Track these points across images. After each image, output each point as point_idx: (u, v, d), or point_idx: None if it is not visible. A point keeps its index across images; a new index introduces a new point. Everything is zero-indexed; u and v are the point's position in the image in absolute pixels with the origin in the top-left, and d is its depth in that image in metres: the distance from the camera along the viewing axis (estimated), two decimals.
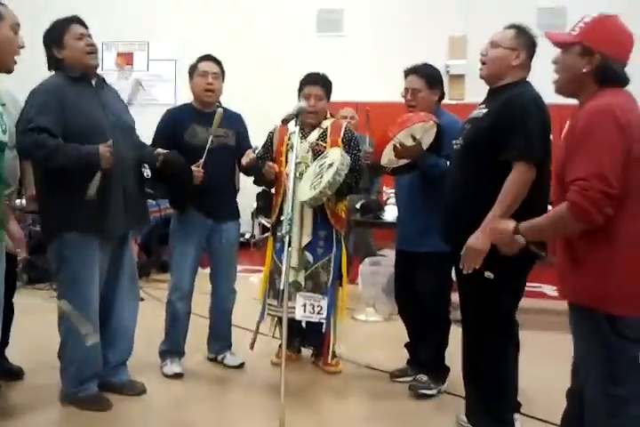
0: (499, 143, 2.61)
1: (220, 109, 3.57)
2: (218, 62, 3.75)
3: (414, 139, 3.27)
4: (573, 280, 2.10)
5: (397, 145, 3.28)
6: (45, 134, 2.91)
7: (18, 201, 3.38)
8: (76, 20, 3.17)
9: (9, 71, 2.49)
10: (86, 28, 3.19)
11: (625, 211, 1.97)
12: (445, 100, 3.65)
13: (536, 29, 2.85)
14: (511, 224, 2.20)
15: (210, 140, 3.53)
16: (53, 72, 3.17)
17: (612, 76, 2.08)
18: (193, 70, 3.74)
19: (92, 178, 2.95)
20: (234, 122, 3.79)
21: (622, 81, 2.11)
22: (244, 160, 3.57)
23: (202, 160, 3.50)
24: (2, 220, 2.47)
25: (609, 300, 1.99)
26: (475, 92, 5.44)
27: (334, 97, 3.75)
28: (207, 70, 3.69)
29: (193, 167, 3.49)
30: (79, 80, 3.12)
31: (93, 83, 3.20)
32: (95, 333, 3.16)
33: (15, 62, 2.50)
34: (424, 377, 3.48)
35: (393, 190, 5.18)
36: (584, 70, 2.08)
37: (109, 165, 2.98)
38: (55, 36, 3.12)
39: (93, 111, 3.11)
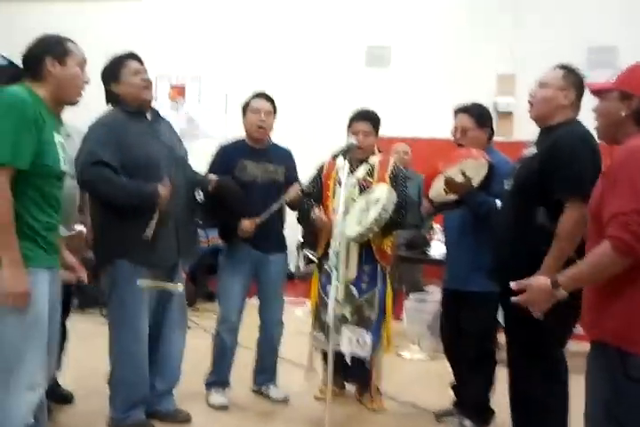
0: (549, 184, 2.61)
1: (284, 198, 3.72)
2: (270, 100, 3.85)
3: (464, 175, 3.29)
4: (595, 314, 2.07)
5: (448, 179, 3.30)
6: (108, 169, 3.03)
7: (78, 227, 3.48)
8: (132, 56, 3.30)
9: (73, 104, 2.61)
10: (142, 63, 3.31)
11: None
12: (493, 137, 3.67)
13: (586, 68, 2.86)
14: (547, 280, 2.12)
15: (275, 206, 3.66)
16: (100, 103, 3.29)
17: None
18: (246, 107, 3.84)
19: (150, 217, 3.06)
20: (283, 158, 3.88)
21: None
22: (287, 197, 3.65)
23: (260, 220, 3.61)
24: (58, 247, 2.55)
25: (626, 337, 1.96)
26: (523, 130, 5.45)
27: (383, 132, 3.79)
28: (260, 107, 3.79)
29: (246, 221, 3.60)
30: (135, 114, 3.24)
31: (148, 116, 3.32)
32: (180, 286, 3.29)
33: (79, 96, 2.61)
34: (468, 423, 3.42)
35: (440, 227, 5.21)
36: (623, 114, 2.10)
37: (165, 206, 3.08)
38: (112, 71, 3.26)
39: (149, 144, 3.21)
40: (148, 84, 3.27)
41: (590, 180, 2.52)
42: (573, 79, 2.78)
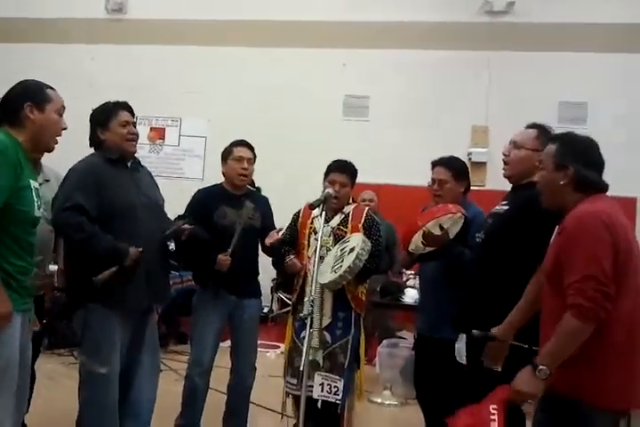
0: (519, 241, 2.66)
1: (248, 204, 3.74)
2: (251, 148, 3.92)
3: (442, 228, 3.36)
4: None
5: (426, 233, 3.37)
6: (84, 217, 3.03)
7: (52, 267, 3.48)
8: (126, 106, 3.33)
9: (49, 151, 2.62)
10: (133, 115, 3.34)
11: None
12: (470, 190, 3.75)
13: (557, 123, 2.96)
14: (528, 370, 2.13)
15: (238, 231, 3.65)
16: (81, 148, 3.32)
17: (590, 184, 2.23)
18: (227, 154, 3.89)
19: (111, 266, 3.04)
20: (260, 204, 3.93)
21: (601, 187, 2.25)
22: (268, 240, 3.69)
23: (230, 249, 3.62)
24: (31, 290, 2.57)
25: (590, 389, 2.04)
26: (495, 179, 5.60)
27: (358, 179, 3.81)
28: (242, 156, 3.85)
29: (220, 256, 3.62)
30: (116, 161, 3.24)
31: (129, 164, 3.33)
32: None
33: (56, 142, 2.61)
34: None
35: (412, 272, 5.27)
36: (561, 183, 2.22)
37: (131, 267, 3.08)
38: (102, 118, 3.27)
39: (127, 191, 3.23)
40: (134, 138, 3.30)
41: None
42: (547, 139, 2.79)
